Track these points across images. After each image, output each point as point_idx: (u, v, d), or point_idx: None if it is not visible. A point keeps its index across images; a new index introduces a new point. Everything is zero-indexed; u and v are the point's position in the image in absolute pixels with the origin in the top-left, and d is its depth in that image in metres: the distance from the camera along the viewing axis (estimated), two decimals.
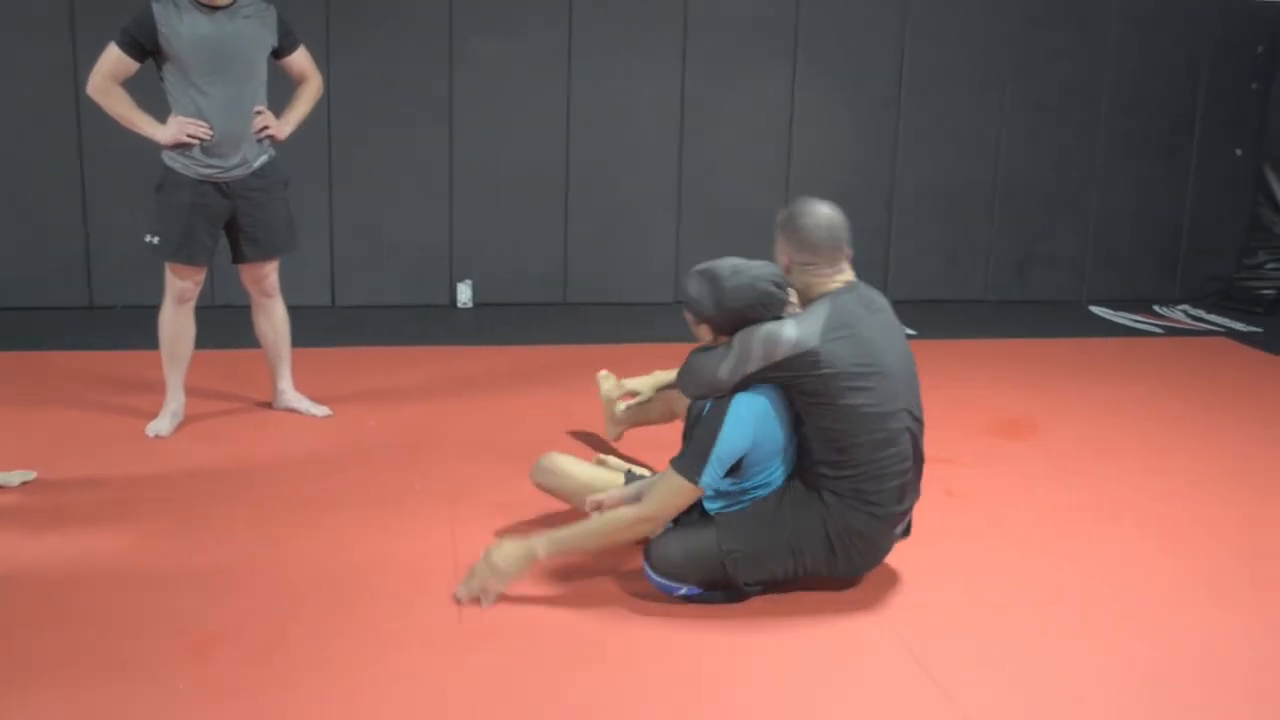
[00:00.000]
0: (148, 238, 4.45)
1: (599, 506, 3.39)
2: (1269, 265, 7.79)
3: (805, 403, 3.18)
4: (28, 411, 4.82)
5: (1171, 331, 7.14)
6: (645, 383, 4.32)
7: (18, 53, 6.36)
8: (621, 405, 4.36)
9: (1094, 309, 7.65)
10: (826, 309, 3.25)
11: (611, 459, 3.89)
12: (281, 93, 4.63)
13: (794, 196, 7.19)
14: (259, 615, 3.14)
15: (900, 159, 7.45)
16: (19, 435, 4.52)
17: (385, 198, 6.89)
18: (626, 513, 3.23)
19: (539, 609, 3.23)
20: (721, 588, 3.24)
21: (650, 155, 7.14)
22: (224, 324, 5.63)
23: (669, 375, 4.07)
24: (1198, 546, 3.80)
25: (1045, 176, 7.65)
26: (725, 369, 3.16)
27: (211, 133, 4.35)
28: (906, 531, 3.42)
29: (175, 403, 4.66)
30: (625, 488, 3.46)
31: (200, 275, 4.55)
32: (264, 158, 4.55)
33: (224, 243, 4.60)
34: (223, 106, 4.36)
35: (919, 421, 3.32)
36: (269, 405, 4.92)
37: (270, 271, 4.70)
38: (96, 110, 4.39)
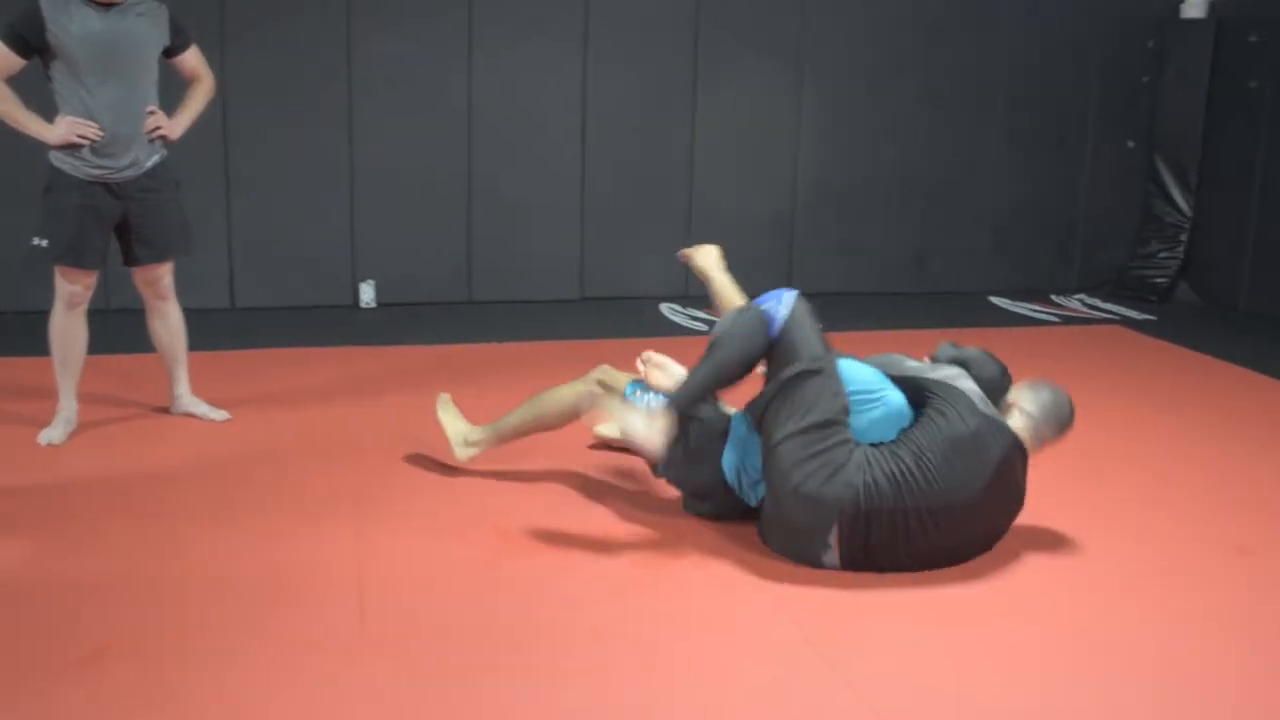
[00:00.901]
0: (35, 240, 4.33)
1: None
2: (1162, 254, 7.99)
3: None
4: None
5: (1068, 320, 7.29)
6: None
7: None
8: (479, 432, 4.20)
9: (993, 299, 7.78)
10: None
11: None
12: (173, 93, 4.54)
13: (699, 190, 7.29)
14: (156, 626, 3.07)
15: (801, 153, 7.51)
16: None
17: (285, 197, 6.79)
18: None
19: (444, 608, 3.20)
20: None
21: (553, 152, 7.12)
22: (119, 328, 5.50)
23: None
24: (1093, 528, 3.87)
25: (943, 169, 7.77)
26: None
27: (101, 133, 4.25)
28: (846, 564, 3.48)
29: (68, 410, 4.55)
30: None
31: (91, 279, 4.44)
32: (156, 158, 4.46)
33: (117, 245, 4.49)
34: (113, 106, 4.27)
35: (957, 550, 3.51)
36: (166, 411, 4.82)
37: (164, 274, 4.61)
38: None
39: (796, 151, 7.50)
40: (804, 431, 3.43)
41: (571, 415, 3.98)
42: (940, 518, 3.42)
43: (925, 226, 7.81)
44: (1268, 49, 7.34)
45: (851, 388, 3.54)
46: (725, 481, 3.68)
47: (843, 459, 3.40)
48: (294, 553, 3.53)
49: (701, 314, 7.00)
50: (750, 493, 3.68)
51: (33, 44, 4.17)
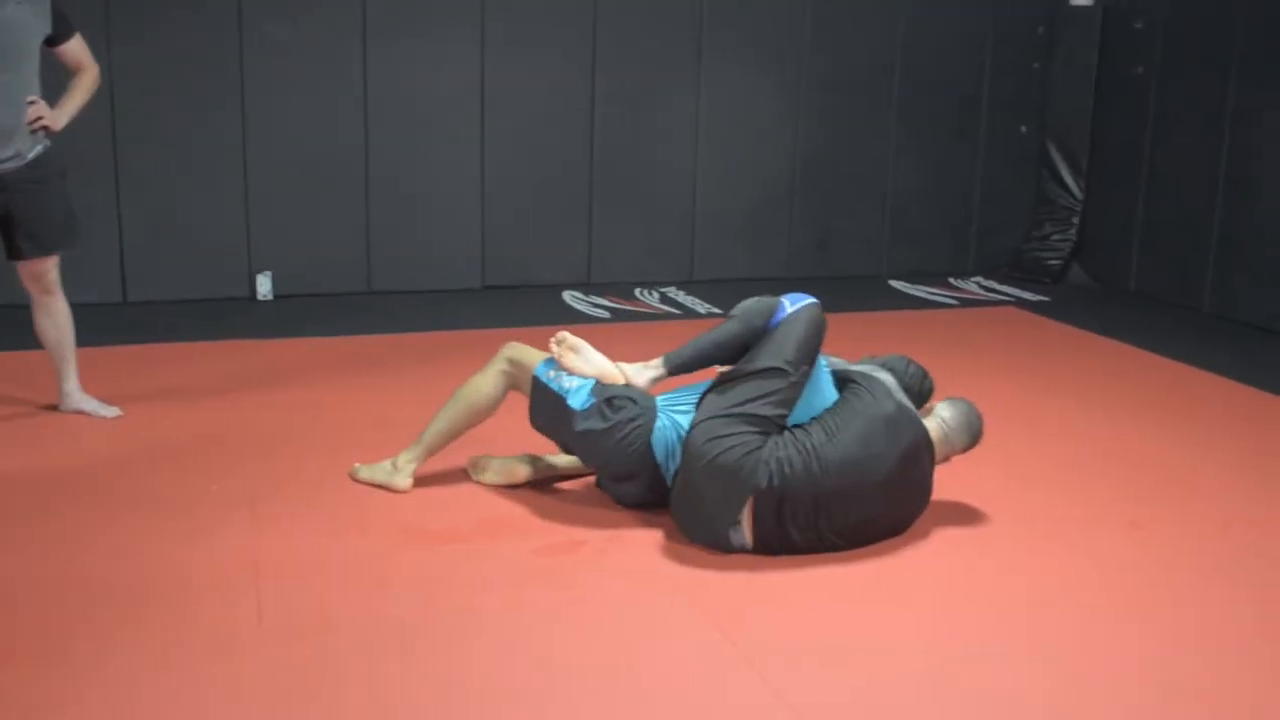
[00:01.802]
0: None
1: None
2: (1055, 237, 8.15)
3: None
4: None
5: (966, 303, 7.41)
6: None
7: None
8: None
9: (892, 283, 7.88)
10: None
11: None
12: (56, 83, 4.42)
13: (599, 178, 7.27)
14: (38, 631, 2.99)
15: (700, 141, 7.53)
16: None
17: (176, 187, 6.64)
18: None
19: (344, 603, 3.16)
20: None
21: (452, 140, 7.06)
22: (4, 324, 5.35)
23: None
24: (989, 507, 3.94)
25: (842, 155, 7.84)
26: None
27: None
28: (758, 547, 3.51)
29: None
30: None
31: None
32: (38, 149, 4.34)
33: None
34: None
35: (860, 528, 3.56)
36: (55, 408, 4.69)
37: (50, 268, 4.49)
38: None
39: (696, 140, 7.52)
40: (733, 416, 3.48)
41: (495, 401, 3.92)
42: (850, 497, 3.46)
43: (824, 212, 7.88)
44: (1151, 35, 7.51)
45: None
46: (654, 461, 3.67)
47: (756, 444, 3.45)
48: (188, 552, 3.46)
49: (604, 301, 6.99)
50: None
51: None
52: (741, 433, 3.46)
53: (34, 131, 4.29)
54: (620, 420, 3.65)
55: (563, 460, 4.07)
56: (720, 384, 3.61)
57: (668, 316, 6.73)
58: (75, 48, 4.44)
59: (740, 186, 7.68)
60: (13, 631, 2.98)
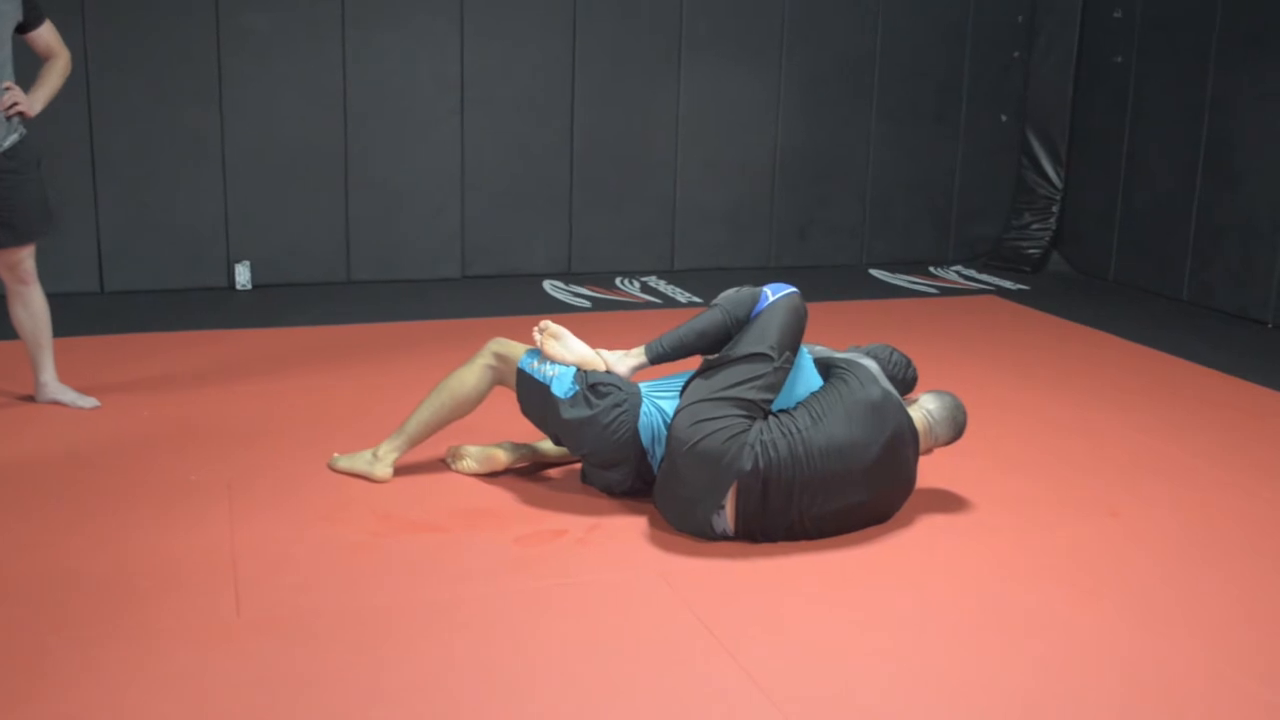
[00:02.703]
0: None
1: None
2: (1034, 226, 8.17)
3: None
4: None
5: (945, 291, 7.43)
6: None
7: None
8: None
9: (873, 272, 7.89)
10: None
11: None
12: (28, 71, 4.38)
13: (580, 167, 7.26)
14: (15, 622, 2.97)
15: (680, 130, 7.52)
16: None
17: (154, 175, 6.59)
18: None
19: (323, 593, 3.15)
20: None
21: (432, 129, 7.03)
22: None
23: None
24: (968, 495, 3.95)
25: (822, 144, 7.84)
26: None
27: None
28: (739, 534, 3.52)
29: None
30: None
31: None
32: (14, 136, 4.31)
33: None
34: None
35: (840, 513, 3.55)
36: (31, 399, 4.66)
37: (25, 257, 4.45)
38: None
39: (676, 129, 7.51)
40: (718, 400, 3.49)
41: (480, 395, 3.91)
42: (833, 482, 3.47)
43: (805, 201, 7.88)
44: (1130, 25, 7.53)
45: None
46: (640, 448, 3.68)
47: (742, 427, 3.46)
48: (166, 543, 3.44)
49: (584, 291, 6.98)
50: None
51: None
52: (727, 416, 3.46)
53: (10, 117, 4.26)
54: (605, 406, 3.65)
55: (545, 445, 4.07)
56: (705, 370, 3.62)
57: (648, 306, 6.73)
58: (46, 34, 4.41)
59: (721, 175, 7.67)
60: None
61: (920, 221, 8.21)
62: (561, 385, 3.70)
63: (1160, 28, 7.34)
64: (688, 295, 6.93)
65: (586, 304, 6.68)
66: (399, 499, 3.79)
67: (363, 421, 4.46)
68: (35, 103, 4.33)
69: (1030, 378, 5.44)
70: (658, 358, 3.74)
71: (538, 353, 3.81)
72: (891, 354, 3.92)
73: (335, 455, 4.05)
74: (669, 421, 3.60)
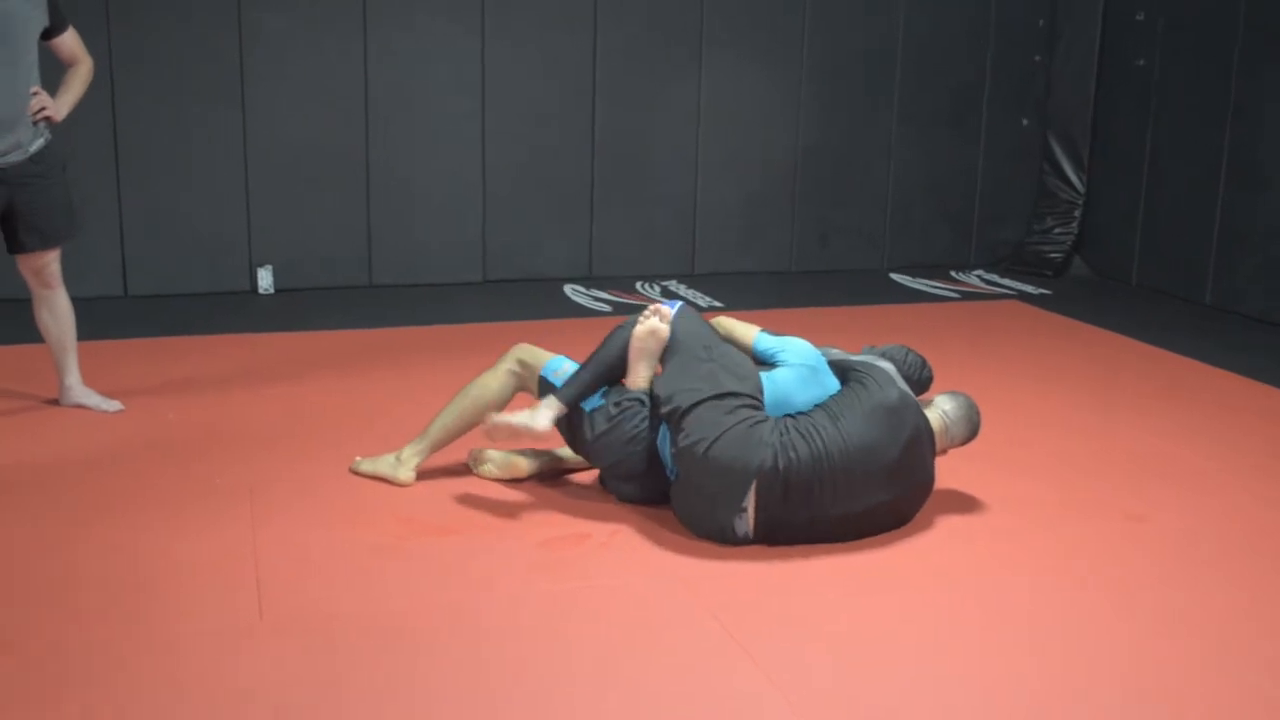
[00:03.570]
0: None
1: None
2: (1056, 230, 8.14)
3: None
4: None
5: (967, 296, 7.40)
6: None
7: None
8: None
9: (894, 276, 7.87)
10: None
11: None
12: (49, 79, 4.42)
13: (600, 171, 7.27)
14: (39, 624, 2.99)
15: (700, 134, 7.52)
16: None
17: (177, 180, 6.63)
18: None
19: (346, 597, 3.17)
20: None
21: (453, 133, 7.05)
22: (6, 318, 5.36)
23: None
24: (990, 500, 3.94)
25: (843, 148, 7.83)
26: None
27: None
28: (757, 539, 3.52)
29: None
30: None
31: None
32: (40, 141, 4.34)
33: None
34: None
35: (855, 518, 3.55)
36: (56, 403, 4.69)
37: (51, 261, 4.49)
38: None
39: (697, 132, 7.51)
40: (719, 397, 3.51)
41: (503, 400, 3.93)
42: (854, 484, 3.47)
43: (825, 205, 7.87)
44: (1152, 27, 7.50)
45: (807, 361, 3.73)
46: (659, 461, 3.69)
47: (757, 417, 3.49)
48: (189, 546, 3.46)
49: (605, 295, 6.99)
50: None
51: None
52: (736, 409, 3.49)
53: (37, 122, 4.30)
54: (625, 419, 3.67)
55: (566, 452, 4.08)
56: (668, 399, 3.58)
57: None
58: (70, 41, 4.45)
59: (741, 179, 7.67)
60: (13, 624, 2.98)
61: (941, 225, 8.18)
62: (589, 400, 3.73)
63: (1182, 30, 7.30)
64: (708, 299, 6.93)
65: (607, 308, 6.69)
66: (421, 502, 3.80)
67: (385, 425, 4.48)
68: (61, 108, 4.37)
69: (1052, 382, 5.42)
70: (571, 400, 3.72)
71: (561, 361, 3.83)
72: (907, 354, 3.91)
73: (357, 459, 4.07)
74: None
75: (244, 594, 3.16)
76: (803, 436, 3.46)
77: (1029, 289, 7.61)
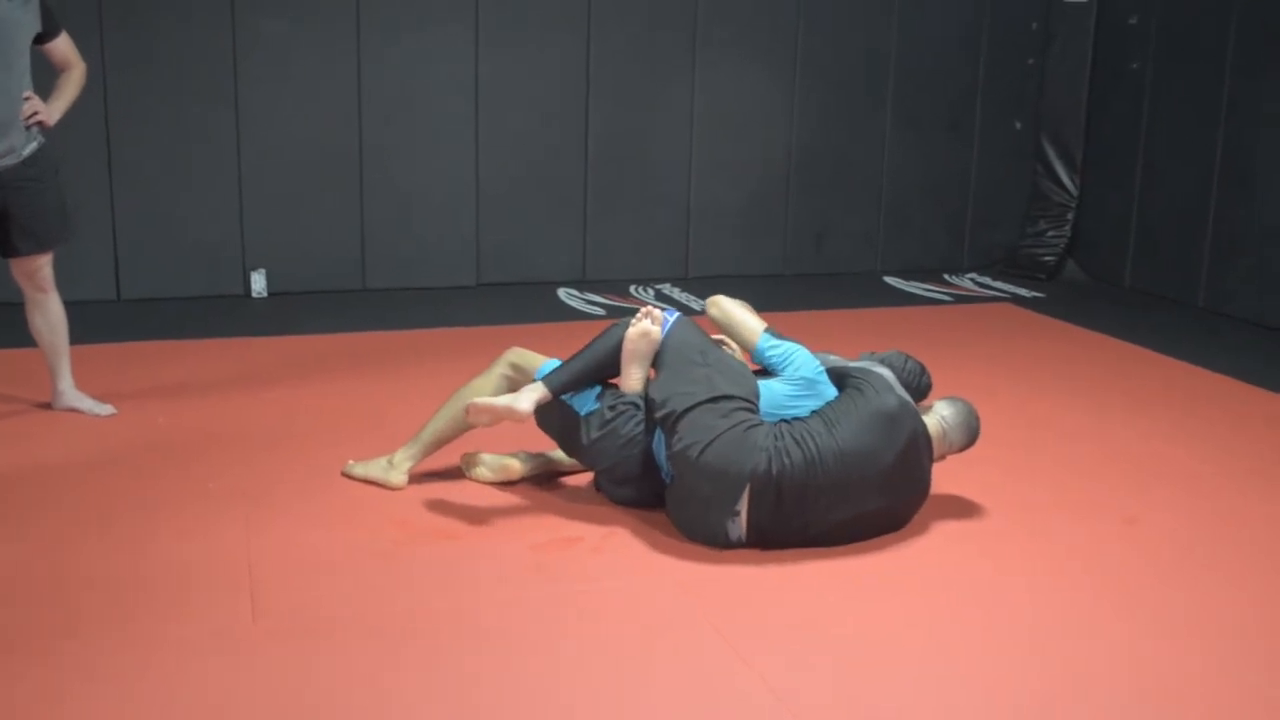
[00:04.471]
0: None
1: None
2: (1050, 234, 8.15)
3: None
4: None
5: (960, 299, 7.41)
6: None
7: None
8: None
9: (887, 279, 7.88)
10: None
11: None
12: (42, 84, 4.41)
13: (594, 174, 7.27)
14: (33, 628, 2.98)
15: (695, 137, 7.52)
16: None
17: (171, 183, 6.62)
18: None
19: (341, 601, 3.16)
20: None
21: (447, 136, 7.04)
22: None
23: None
24: (984, 503, 3.94)
25: (837, 150, 7.84)
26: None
27: None
28: (747, 542, 3.52)
29: None
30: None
31: None
32: (33, 145, 4.34)
33: None
34: None
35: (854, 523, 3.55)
36: (48, 406, 4.68)
37: (44, 265, 4.48)
38: None
39: (691, 136, 7.51)
40: (714, 400, 3.51)
41: None
42: (848, 489, 3.47)
43: (819, 208, 7.87)
44: (1146, 31, 7.51)
45: (805, 373, 3.70)
46: (654, 464, 3.69)
47: (752, 421, 3.49)
48: (182, 550, 3.45)
49: (599, 299, 6.99)
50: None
51: None
52: (730, 413, 3.49)
53: (29, 126, 4.29)
54: (620, 422, 3.67)
55: (559, 455, 4.07)
56: (661, 404, 3.59)
57: None
58: (63, 45, 4.44)
59: (735, 183, 7.67)
60: (7, 628, 2.97)
61: (935, 228, 8.19)
62: (584, 403, 3.72)
63: (1176, 33, 7.32)
64: (701, 303, 6.92)
65: (601, 311, 6.69)
66: (414, 506, 3.80)
67: (378, 429, 4.47)
68: (54, 112, 4.37)
69: (1044, 385, 5.43)
70: (557, 389, 3.73)
71: (554, 364, 3.83)
72: (906, 361, 3.91)
73: (350, 462, 4.06)
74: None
75: (238, 598, 3.15)
76: (797, 442, 3.46)
77: (1022, 292, 7.62)
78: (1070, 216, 8.10)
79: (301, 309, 6.57)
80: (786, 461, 3.42)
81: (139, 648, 2.90)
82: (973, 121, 8.11)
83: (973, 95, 8.07)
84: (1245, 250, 6.85)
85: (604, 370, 3.78)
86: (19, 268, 4.47)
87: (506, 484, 4.01)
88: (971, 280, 7.94)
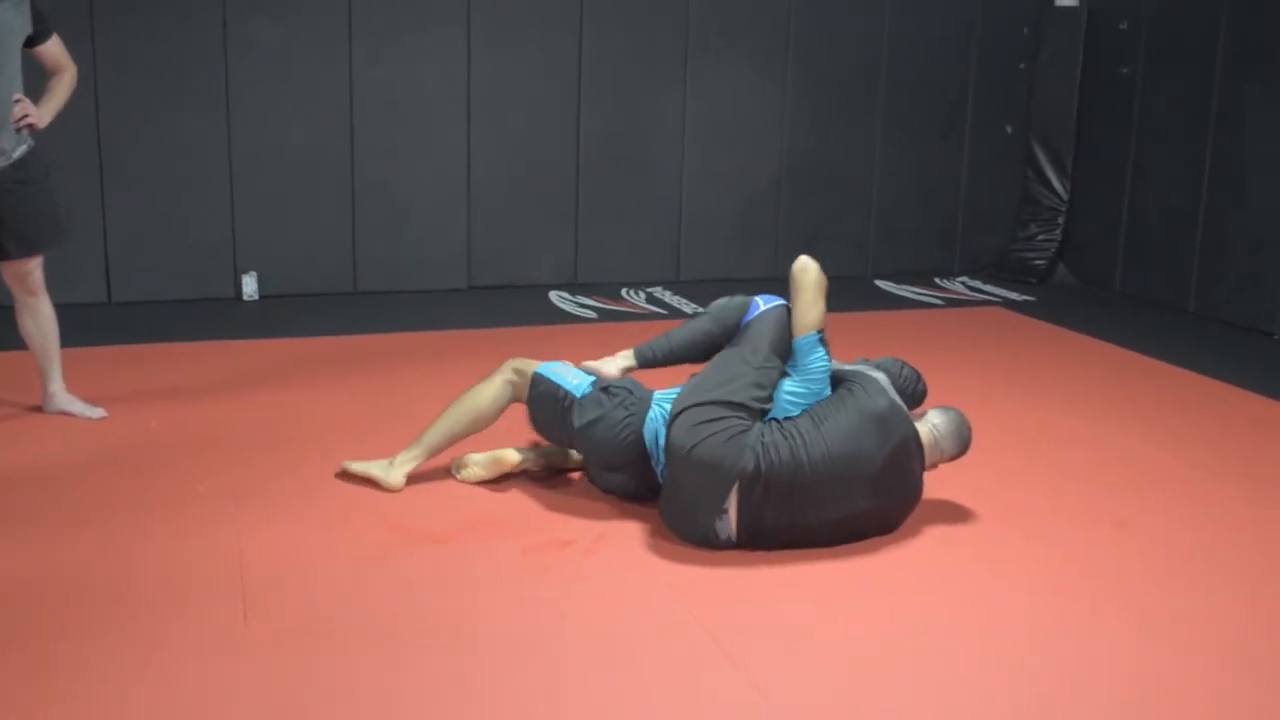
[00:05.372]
0: None
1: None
2: (1040, 237, 8.17)
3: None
4: None
5: (951, 303, 7.42)
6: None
7: None
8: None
9: (878, 283, 7.89)
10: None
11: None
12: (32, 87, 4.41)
13: (585, 178, 7.27)
14: (23, 631, 2.98)
15: (687, 141, 7.53)
16: None
17: (162, 186, 6.61)
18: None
19: (332, 604, 3.16)
20: None
21: (438, 140, 7.04)
22: None
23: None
24: (974, 507, 3.95)
25: (828, 155, 7.85)
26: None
27: None
28: (738, 543, 3.52)
29: None
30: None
31: None
32: (24, 148, 4.33)
33: None
34: None
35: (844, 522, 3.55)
36: (39, 409, 4.67)
37: (34, 268, 4.47)
38: None
39: (682, 139, 7.52)
40: (714, 403, 3.53)
41: (499, 409, 3.95)
42: (837, 489, 3.48)
43: (811, 212, 7.88)
44: (1136, 36, 7.54)
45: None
46: (644, 451, 3.71)
47: (742, 428, 3.49)
48: (173, 554, 3.45)
49: (590, 302, 6.99)
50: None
51: None
52: (725, 418, 3.50)
53: (20, 129, 4.28)
54: (613, 407, 3.71)
55: (552, 448, 4.08)
56: (694, 377, 3.68)
57: (654, 316, 6.72)
58: (54, 48, 4.43)
59: (727, 186, 7.68)
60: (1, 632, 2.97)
61: (926, 233, 8.20)
62: (580, 389, 3.76)
63: (1166, 38, 7.34)
64: (693, 306, 6.93)
65: (592, 315, 6.69)
66: (407, 509, 3.80)
67: (370, 431, 4.47)
68: (44, 115, 4.36)
69: (1035, 390, 5.44)
70: (646, 362, 3.83)
71: (557, 363, 3.88)
72: (902, 368, 3.91)
73: (347, 461, 4.06)
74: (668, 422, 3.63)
75: (229, 601, 3.15)
76: (785, 438, 3.47)
77: (1013, 296, 7.63)
78: (1061, 220, 8.12)
79: (293, 312, 6.56)
80: (774, 457, 3.43)
81: (131, 650, 2.89)
82: (964, 126, 8.13)
83: (964, 100, 8.09)
84: (1235, 254, 6.87)
85: (696, 350, 3.82)
86: (9, 271, 4.46)
87: (498, 480, 4.01)
88: (963, 284, 7.96)
